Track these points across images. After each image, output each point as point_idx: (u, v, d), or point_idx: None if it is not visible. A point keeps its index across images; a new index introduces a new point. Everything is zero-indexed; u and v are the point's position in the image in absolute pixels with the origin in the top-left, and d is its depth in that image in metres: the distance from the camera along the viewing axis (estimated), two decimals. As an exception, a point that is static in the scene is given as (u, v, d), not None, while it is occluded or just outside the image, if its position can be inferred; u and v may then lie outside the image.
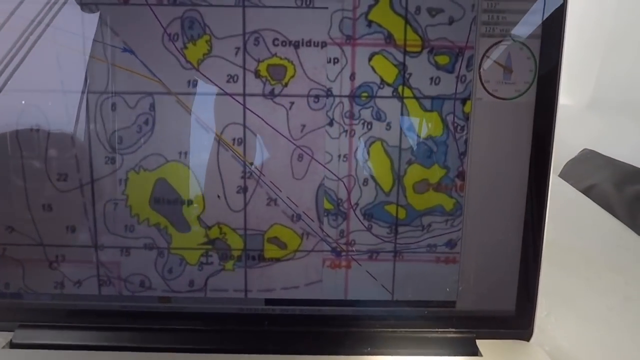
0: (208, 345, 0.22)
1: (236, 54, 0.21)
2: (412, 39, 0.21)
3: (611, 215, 0.45)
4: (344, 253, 0.22)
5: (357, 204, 0.22)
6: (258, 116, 0.21)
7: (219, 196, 0.21)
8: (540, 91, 0.21)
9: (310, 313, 0.23)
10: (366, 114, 0.21)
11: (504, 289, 0.22)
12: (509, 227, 0.22)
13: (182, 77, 0.21)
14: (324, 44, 0.21)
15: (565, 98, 0.85)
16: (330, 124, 0.21)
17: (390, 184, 0.22)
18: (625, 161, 0.62)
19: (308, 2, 0.20)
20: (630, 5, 0.74)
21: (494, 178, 0.22)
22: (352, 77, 0.21)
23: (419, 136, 0.21)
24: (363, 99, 0.21)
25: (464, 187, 0.22)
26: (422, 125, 0.21)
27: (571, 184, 0.57)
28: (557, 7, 0.20)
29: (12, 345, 0.21)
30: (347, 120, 0.21)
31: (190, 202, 0.22)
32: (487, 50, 0.21)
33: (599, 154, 0.68)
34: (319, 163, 0.22)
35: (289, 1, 0.20)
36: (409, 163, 0.22)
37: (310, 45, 0.21)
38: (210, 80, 0.21)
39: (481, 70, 0.21)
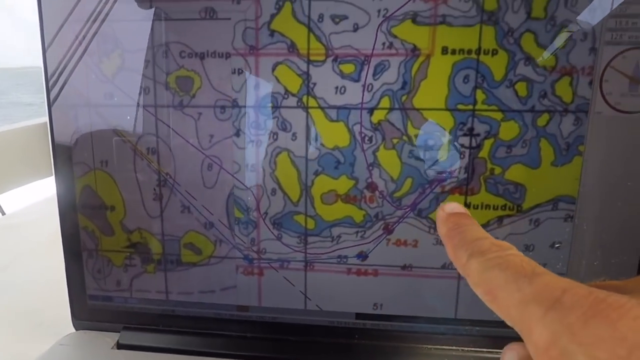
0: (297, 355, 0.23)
1: (146, 66, 0.21)
2: (315, 48, 0.20)
3: None
4: (255, 260, 0.23)
5: (266, 213, 0.22)
6: (168, 126, 0.22)
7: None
8: None
9: (398, 329, 0.22)
10: (271, 124, 0.21)
11: None
12: (622, 238, 0.20)
13: (100, 90, 0.22)
14: (227, 55, 0.21)
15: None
16: (237, 134, 0.21)
17: (298, 194, 0.22)
18: None
19: (211, 14, 0.21)
20: None
21: (610, 191, 0.20)
22: (257, 87, 0.21)
23: (325, 147, 0.21)
24: (268, 109, 0.21)
25: (376, 197, 0.21)
26: (327, 135, 0.21)
27: None
28: None
29: (119, 346, 0.23)
30: (253, 131, 0.21)
31: (112, 208, 0.23)
32: (611, 60, 0.19)
33: None
34: (228, 172, 0.22)
35: (193, 13, 0.21)
36: (316, 174, 0.21)
37: (215, 57, 0.21)
38: (124, 92, 0.22)
39: (603, 81, 0.19)
